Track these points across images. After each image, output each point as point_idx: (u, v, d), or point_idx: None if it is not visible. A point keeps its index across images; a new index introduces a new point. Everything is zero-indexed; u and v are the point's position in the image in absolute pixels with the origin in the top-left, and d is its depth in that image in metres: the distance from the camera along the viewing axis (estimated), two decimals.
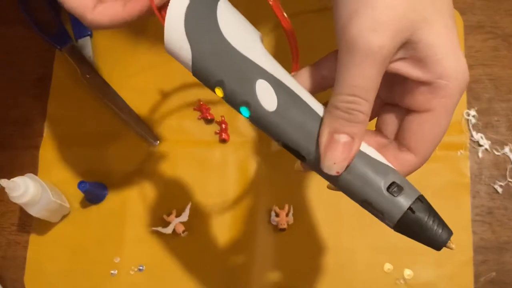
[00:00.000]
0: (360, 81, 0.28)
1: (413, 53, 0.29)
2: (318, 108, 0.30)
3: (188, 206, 0.55)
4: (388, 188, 0.28)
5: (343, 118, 0.29)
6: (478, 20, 0.61)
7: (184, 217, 0.54)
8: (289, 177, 0.56)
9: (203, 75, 0.30)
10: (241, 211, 0.55)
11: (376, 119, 0.34)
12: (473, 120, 0.58)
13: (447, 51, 0.29)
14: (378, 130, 0.33)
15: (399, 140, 0.31)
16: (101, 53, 0.60)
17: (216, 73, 0.29)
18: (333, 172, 0.29)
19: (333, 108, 0.29)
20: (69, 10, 0.34)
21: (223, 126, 0.57)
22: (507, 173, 0.56)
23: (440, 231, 0.28)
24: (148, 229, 0.55)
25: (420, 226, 0.28)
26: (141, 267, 0.54)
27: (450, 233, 0.29)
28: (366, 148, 0.30)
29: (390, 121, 0.32)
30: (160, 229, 0.54)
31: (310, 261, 0.54)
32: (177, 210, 0.55)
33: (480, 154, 0.57)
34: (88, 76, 0.58)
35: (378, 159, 0.30)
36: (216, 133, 0.57)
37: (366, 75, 0.28)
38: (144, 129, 0.57)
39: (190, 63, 0.30)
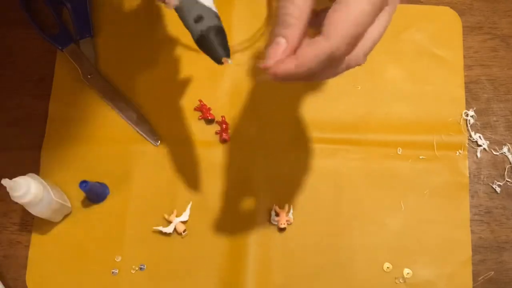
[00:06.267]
0: None
1: None
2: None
3: (189, 206, 0.55)
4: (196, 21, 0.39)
5: (277, 24, 0.35)
6: (477, 21, 0.61)
7: (185, 216, 0.55)
8: (289, 177, 0.57)
9: None
10: (241, 210, 0.56)
11: None
12: (472, 120, 0.58)
13: None
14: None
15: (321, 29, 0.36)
16: (102, 54, 0.60)
17: None
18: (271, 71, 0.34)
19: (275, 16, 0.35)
20: None
21: (224, 126, 0.57)
22: (505, 173, 0.57)
23: (221, 49, 0.38)
24: (149, 229, 0.55)
25: (209, 44, 0.38)
26: (142, 266, 0.54)
27: (227, 54, 0.38)
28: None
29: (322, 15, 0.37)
30: (161, 228, 0.54)
31: (310, 261, 0.54)
32: (178, 210, 0.55)
33: (478, 154, 0.57)
34: (89, 76, 0.59)
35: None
36: (216, 133, 0.58)
37: None
38: (145, 129, 0.58)
39: None
